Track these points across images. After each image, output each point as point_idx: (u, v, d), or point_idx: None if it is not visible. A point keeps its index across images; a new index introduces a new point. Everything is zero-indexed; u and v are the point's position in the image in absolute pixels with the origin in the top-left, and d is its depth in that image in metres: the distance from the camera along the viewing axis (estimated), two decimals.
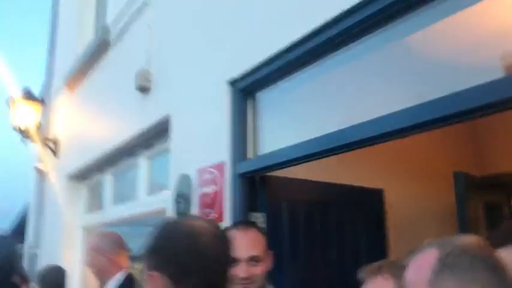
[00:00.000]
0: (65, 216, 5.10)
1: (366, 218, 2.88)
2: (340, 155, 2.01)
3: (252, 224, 1.83)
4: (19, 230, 13.09)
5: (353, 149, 1.92)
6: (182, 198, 2.79)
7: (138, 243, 4.17)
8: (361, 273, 1.39)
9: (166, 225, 1.20)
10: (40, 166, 6.18)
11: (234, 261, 1.40)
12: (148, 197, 3.78)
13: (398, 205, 3.21)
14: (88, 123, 4.91)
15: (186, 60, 3.06)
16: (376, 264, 1.41)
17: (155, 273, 1.09)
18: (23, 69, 6.16)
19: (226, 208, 2.41)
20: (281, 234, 1.82)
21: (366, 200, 2.93)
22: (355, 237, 2.78)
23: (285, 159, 2.17)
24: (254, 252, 1.69)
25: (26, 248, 6.55)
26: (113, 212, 4.38)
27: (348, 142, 1.86)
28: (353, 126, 1.85)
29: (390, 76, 1.95)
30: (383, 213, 3.07)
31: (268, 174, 2.42)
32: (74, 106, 5.43)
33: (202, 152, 2.71)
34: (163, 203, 3.14)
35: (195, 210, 2.65)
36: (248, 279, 1.66)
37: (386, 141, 1.81)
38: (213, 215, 2.48)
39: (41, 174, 6.23)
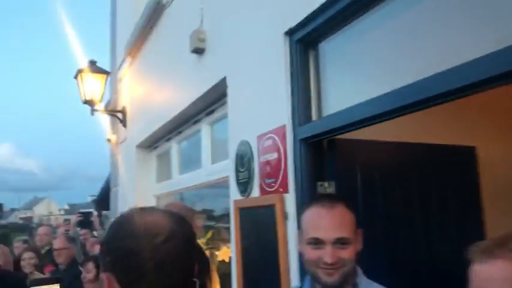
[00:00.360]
0: (138, 186, 5.13)
1: (455, 181, 2.46)
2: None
3: (340, 199, 1.50)
4: (103, 197, 13.96)
5: (436, 104, 1.53)
6: (243, 167, 2.55)
7: (217, 202, 4.07)
8: (471, 253, 1.04)
9: (117, 222, 1.04)
10: (111, 137, 6.27)
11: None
12: (212, 166, 3.60)
13: (493, 164, 2.74)
14: (151, 91, 4.80)
15: (240, 15, 2.75)
16: (488, 242, 1.05)
17: (107, 274, 0.98)
18: (89, 42, 6.16)
19: (290, 177, 2.14)
20: (354, 205, 1.52)
21: (455, 160, 2.51)
22: (444, 204, 2.39)
23: (354, 119, 1.82)
24: (342, 233, 1.42)
25: (110, 216, 6.81)
26: (180, 181, 4.28)
27: (429, 96, 1.47)
28: (434, 76, 1.46)
29: (479, 13, 1.51)
30: (476, 174, 2.63)
31: (337, 137, 2.09)
32: (137, 75, 5.36)
33: (261, 115, 2.42)
34: (227, 172, 2.93)
35: (256, 180, 2.41)
36: (335, 265, 1.40)
37: (474, 92, 1.40)
38: (277, 186, 2.22)
39: (112, 145, 6.33)
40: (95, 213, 6.88)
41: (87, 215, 5.96)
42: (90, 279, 3.47)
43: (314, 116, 2.16)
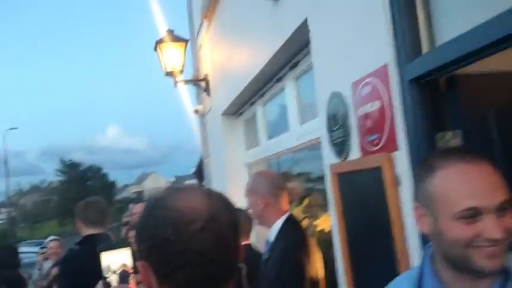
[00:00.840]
0: (228, 155, 4.91)
1: None
2: None
3: (478, 153, 1.04)
4: (200, 169, 14.33)
5: None
6: (337, 125, 2.12)
7: (315, 163, 3.65)
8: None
9: (150, 206, 0.94)
10: (198, 108, 6.11)
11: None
12: (301, 127, 3.20)
13: None
14: (230, 53, 4.48)
15: None
16: None
17: (142, 263, 0.91)
18: (167, 11, 5.95)
19: (400, 130, 1.67)
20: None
21: None
22: None
23: (481, 44, 1.30)
24: (505, 195, 0.97)
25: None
26: (269, 147, 3.95)
27: None
28: None
29: None
30: None
31: (458, 72, 1.57)
32: (215, 38, 5.07)
33: (354, 57, 1.95)
34: (318, 132, 2.51)
35: (354, 138, 1.97)
36: (503, 241, 0.96)
37: None
38: (382, 143, 1.76)
39: (200, 116, 6.18)
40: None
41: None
42: None
43: (425, 48, 1.65)
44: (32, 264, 6.89)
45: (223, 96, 4.84)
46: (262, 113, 4.07)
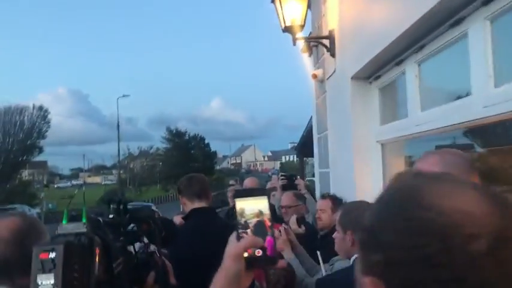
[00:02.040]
0: (354, 129, 3.94)
1: None
2: None
3: None
4: (305, 144, 13.62)
5: None
6: None
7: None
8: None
9: (394, 201, 0.66)
10: (316, 72, 5.17)
11: None
12: (495, 90, 2.13)
13: None
14: (367, 4, 3.47)
15: None
16: None
17: (372, 279, 0.63)
18: None
19: None
20: None
21: None
22: None
23: None
24: None
25: (319, 166, 5.87)
26: (424, 119, 2.91)
27: None
28: None
29: None
30: None
31: None
32: None
33: None
34: None
35: None
36: None
37: None
38: None
39: (317, 82, 5.23)
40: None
41: (291, 177, 5.08)
42: None
43: None
44: None
45: (354, 56, 3.85)
46: (417, 73, 3.01)
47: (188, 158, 67.84)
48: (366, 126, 3.90)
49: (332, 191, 4.77)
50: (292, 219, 3.90)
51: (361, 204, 2.52)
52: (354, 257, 2.34)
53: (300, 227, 3.87)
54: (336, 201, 3.94)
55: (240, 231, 1.13)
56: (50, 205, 45.56)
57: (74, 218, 1.14)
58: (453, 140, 2.89)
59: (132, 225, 1.46)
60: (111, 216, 1.41)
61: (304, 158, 19.96)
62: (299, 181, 4.94)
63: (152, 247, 1.52)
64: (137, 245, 1.46)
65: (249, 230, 1.14)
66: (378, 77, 3.76)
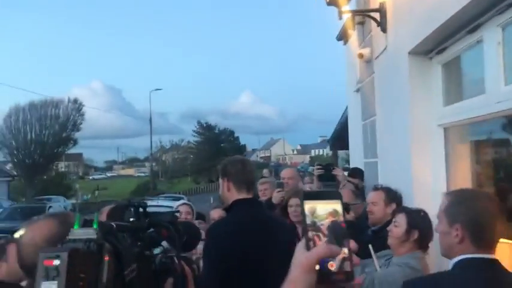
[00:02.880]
0: (413, 112, 3.44)
1: None
2: None
3: None
4: (338, 136, 13.07)
5: None
6: None
7: None
8: None
9: None
10: (363, 51, 4.68)
11: None
12: None
13: None
14: None
15: None
16: None
17: None
18: None
19: None
20: None
21: None
22: None
23: None
24: None
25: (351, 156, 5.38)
26: (507, 95, 2.41)
27: None
28: None
29: None
30: None
31: None
32: None
33: None
34: None
35: None
36: None
37: None
38: None
39: (365, 61, 4.74)
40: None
41: (328, 167, 4.56)
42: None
43: None
44: None
45: (411, 29, 3.35)
46: (499, 40, 2.50)
47: (218, 151, 67.99)
48: (425, 108, 3.40)
49: (381, 183, 4.30)
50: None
51: (474, 194, 2.11)
52: (457, 259, 1.87)
53: (347, 213, 3.41)
54: (390, 194, 3.48)
55: (310, 233, 0.89)
56: (85, 196, 46.49)
57: (86, 223, 1.12)
58: None
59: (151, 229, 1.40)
60: (131, 219, 1.36)
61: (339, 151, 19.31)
62: (337, 171, 4.48)
63: (172, 253, 1.45)
64: (157, 249, 1.39)
65: (321, 234, 0.90)
66: (442, 51, 3.25)
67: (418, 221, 2.85)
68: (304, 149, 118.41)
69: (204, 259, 2.39)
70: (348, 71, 8.10)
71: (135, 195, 51.49)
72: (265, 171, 8.93)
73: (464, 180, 3.23)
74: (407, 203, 3.42)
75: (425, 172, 3.36)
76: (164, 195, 34.04)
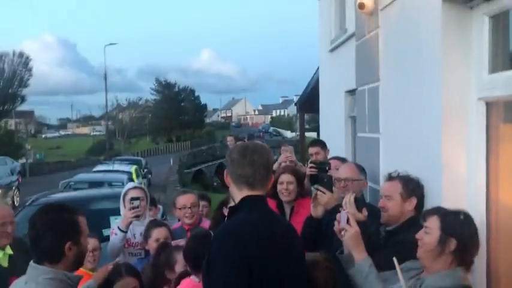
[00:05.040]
0: (443, 80, 2.63)
1: None
2: None
3: None
4: (308, 98, 12.46)
5: None
6: None
7: None
8: None
9: None
10: (365, 1, 3.77)
11: None
12: None
13: None
14: None
15: None
16: None
17: None
18: None
19: None
20: None
21: None
22: None
23: None
24: None
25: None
26: None
27: None
28: None
29: None
30: None
31: None
32: None
33: None
34: None
35: None
36: None
37: None
38: None
39: (367, 13, 3.84)
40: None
41: (323, 166, 3.55)
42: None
43: None
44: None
45: None
46: None
47: (178, 110, 66.32)
48: (463, 75, 2.59)
49: (383, 166, 3.53)
50: (349, 199, 2.64)
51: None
52: None
53: (360, 211, 2.64)
54: (409, 185, 2.72)
55: None
56: (38, 155, 44.47)
57: None
58: None
59: None
60: None
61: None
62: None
63: None
64: None
65: None
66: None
67: (456, 226, 2.10)
68: (266, 109, 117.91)
69: (218, 264, 1.94)
70: (321, 28, 7.22)
71: (91, 155, 49.69)
72: (229, 139, 8.04)
73: (510, 168, 2.49)
74: (432, 197, 2.66)
75: (459, 159, 2.59)
76: (120, 157, 32.55)
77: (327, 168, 3.56)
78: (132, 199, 3.55)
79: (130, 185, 4.05)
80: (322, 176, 2.99)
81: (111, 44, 42.65)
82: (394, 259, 2.21)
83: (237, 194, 2.10)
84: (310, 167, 3.63)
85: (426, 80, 2.82)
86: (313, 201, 2.97)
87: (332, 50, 6.38)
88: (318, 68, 8.39)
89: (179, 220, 4.00)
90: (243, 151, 2.09)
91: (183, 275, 2.70)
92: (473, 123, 2.54)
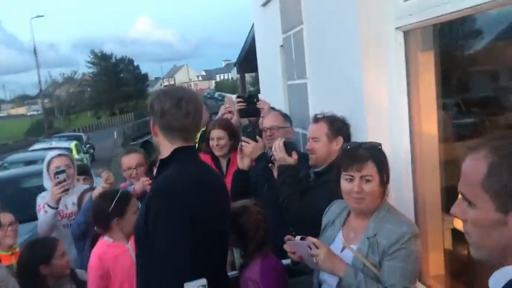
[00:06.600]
0: (359, 12, 2.53)
1: None
2: None
3: None
4: (246, 58, 12.42)
5: None
6: None
7: None
8: None
9: None
10: None
11: None
12: None
13: None
14: None
15: None
16: None
17: None
18: None
19: None
20: None
21: None
22: None
23: None
24: None
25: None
26: None
27: None
28: None
29: None
30: None
31: None
32: None
33: None
34: None
35: None
36: None
37: None
38: None
39: None
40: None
41: (250, 99, 3.66)
42: None
43: None
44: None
45: None
46: None
47: (118, 81, 64.02)
48: (378, 4, 2.50)
49: (312, 111, 3.46)
50: (278, 144, 2.65)
51: None
52: None
53: (289, 155, 2.64)
54: (335, 125, 2.66)
55: None
56: None
57: None
58: None
59: None
60: None
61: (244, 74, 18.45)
62: (263, 103, 3.58)
63: None
64: None
65: None
66: None
67: (385, 160, 2.06)
68: (209, 75, 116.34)
69: (166, 223, 1.81)
70: None
71: (30, 136, 47.32)
72: None
73: (430, 98, 2.48)
74: (358, 135, 2.62)
75: (381, 93, 2.54)
76: (60, 134, 31.17)
77: (255, 100, 3.56)
78: (57, 173, 3.28)
79: (53, 153, 3.76)
80: (244, 126, 2.97)
81: (37, 16, 39.97)
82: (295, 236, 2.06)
83: (167, 145, 1.99)
84: (238, 102, 3.61)
85: (343, 16, 2.72)
86: (239, 153, 2.91)
87: (264, 4, 6.17)
88: (253, 25, 8.18)
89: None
90: (178, 101, 1.92)
91: (97, 235, 2.57)
92: (393, 54, 2.48)
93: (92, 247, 2.57)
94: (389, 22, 2.47)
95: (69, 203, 3.52)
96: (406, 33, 2.45)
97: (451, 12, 2.03)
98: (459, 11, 1.98)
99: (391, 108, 2.52)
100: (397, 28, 2.45)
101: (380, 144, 2.05)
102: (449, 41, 2.58)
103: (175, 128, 1.94)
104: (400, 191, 2.44)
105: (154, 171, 3.51)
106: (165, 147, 1.99)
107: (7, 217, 3.02)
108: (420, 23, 2.29)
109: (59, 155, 3.60)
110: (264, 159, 2.89)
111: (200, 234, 1.84)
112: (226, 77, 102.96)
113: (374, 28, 2.51)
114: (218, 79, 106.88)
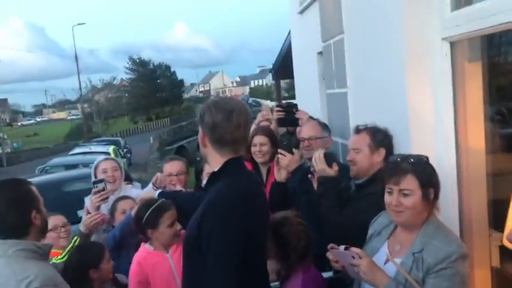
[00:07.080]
0: (406, 20, 2.49)
1: None
2: None
3: None
4: (282, 65, 12.42)
5: None
6: None
7: None
8: None
9: None
10: None
11: None
12: None
13: None
14: None
15: None
16: None
17: None
18: None
19: None
20: None
21: None
22: None
23: None
24: None
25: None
26: None
27: None
28: None
29: None
30: None
31: None
32: None
33: None
34: None
35: None
36: None
37: None
38: None
39: None
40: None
41: (289, 109, 3.67)
42: None
43: None
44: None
45: None
46: None
47: (154, 87, 65.25)
48: (424, 14, 2.46)
49: (352, 121, 3.43)
50: (319, 155, 2.63)
51: None
52: None
53: (330, 166, 2.62)
54: (377, 136, 2.62)
55: None
56: (15, 144, 43.70)
57: None
58: None
59: None
60: None
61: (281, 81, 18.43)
62: (302, 113, 3.57)
63: None
64: None
65: None
66: None
67: (431, 175, 2.00)
68: (244, 81, 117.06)
69: (220, 237, 1.82)
70: None
71: (69, 140, 48.83)
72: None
73: (477, 110, 2.41)
74: (401, 147, 2.57)
75: (426, 104, 2.49)
76: (98, 138, 32.04)
77: (294, 110, 3.57)
78: (95, 182, 3.31)
79: (100, 157, 3.85)
80: (281, 139, 2.99)
81: (79, 24, 41.39)
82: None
83: (217, 158, 1.99)
84: (277, 110, 3.62)
85: (387, 26, 2.68)
86: (276, 165, 2.93)
87: (302, 12, 6.18)
88: (289, 32, 8.20)
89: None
90: (229, 115, 1.92)
91: (140, 242, 2.62)
92: (438, 65, 2.43)
93: (136, 250, 2.62)
94: (435, 32, 2.43)
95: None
96: (453, 44, 2.40)
97: (500, 24, 1.98)
98: (508, 22, 1.93)
99: (437, 119, 2.46)
100: (443, 39, 2.40)
101: (427, 158, 2.01)
102: (496, 51, 2.51)
103: (227, 141, 1.93)
104: (445, 205, 2.38)
105: (203, 181, 3.56)
106: (215, 159, 1.99)
107: (59, 219, 3.12)
108: (468, 34, 2.24)
109: (106, 158, 3.69)
110: (300, 171, 2.88)
111: (251, 247, 1.85)
112: (260, 83, 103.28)
113: (419, 38, 2.47)
114: (252, 85, 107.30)
